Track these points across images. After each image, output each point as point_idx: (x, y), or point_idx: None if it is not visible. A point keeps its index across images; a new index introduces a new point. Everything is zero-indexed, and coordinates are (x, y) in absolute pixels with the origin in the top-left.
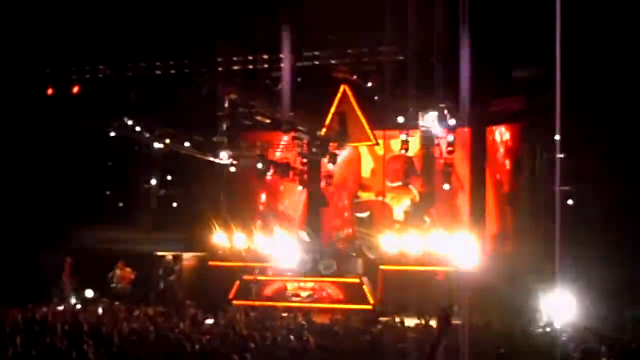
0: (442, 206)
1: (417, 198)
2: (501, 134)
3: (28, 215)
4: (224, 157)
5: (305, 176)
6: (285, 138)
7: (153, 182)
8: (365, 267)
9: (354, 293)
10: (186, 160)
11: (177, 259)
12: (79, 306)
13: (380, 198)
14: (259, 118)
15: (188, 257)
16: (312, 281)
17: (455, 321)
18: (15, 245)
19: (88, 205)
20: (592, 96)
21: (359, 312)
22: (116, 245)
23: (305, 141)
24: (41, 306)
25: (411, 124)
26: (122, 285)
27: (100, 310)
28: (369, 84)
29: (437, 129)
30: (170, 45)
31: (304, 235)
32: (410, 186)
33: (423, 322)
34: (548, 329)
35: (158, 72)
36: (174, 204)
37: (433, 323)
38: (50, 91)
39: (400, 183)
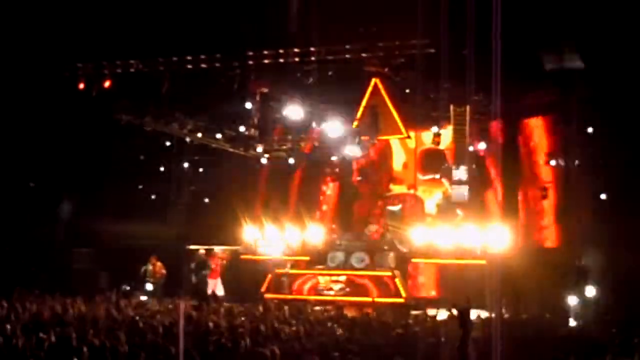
0: (475, 199)
1: (449, 191)
2: (534, 126)
3: (62, 208)
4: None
5: (337, 170)
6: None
7: (185, 176)
8: (397, 260)
9: (386, 286)
10: (218, 154)
11: (209, 252)
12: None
13: (412, 191)
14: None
15: (220, 251)
16: (344, 275)
17: (486, 314)
18: (48, 239)
19: (120, 199)
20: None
21: (391, 305)
22: (148, 239)
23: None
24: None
25: (443, 117)
26: (155, 280)
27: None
28: (400, 77)
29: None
30: (202, 40)
31: (336, 229)
32: (443, 179)
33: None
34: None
35: (189, 66)
36: (206, 198)
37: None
38: (81, 85)
39: (432, 176)
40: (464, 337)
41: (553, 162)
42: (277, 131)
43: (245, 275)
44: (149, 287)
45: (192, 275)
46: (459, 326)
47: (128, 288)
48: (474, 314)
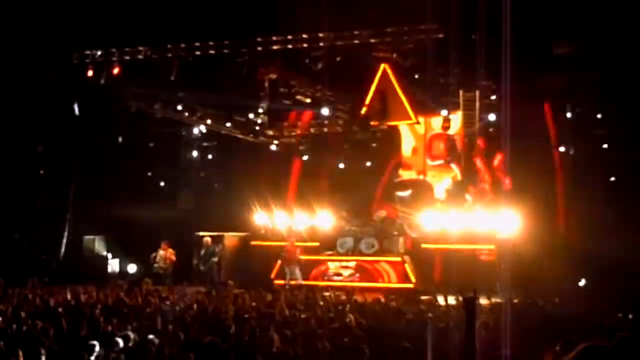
0: (484, 184)
1: (459, 176)
2: (543, 111)
3: (71, 195)
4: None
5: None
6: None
7: (194, 162)
8: (406, 245)
9: (395, 272)
10: (227, 141)
11: (218, 239)
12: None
13: (421, 177)
14: (299, 97)
15: (229, 237)
16: (354, 260)
17: (497, 299)
18: (58, 225)
19: (130, 186)
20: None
21: (401, 290)
22: (157, 226)
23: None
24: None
25: (452, 102)
26: (165, 266)
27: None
28: (409, 63)
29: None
30: (210, 26)
31: (344, 214)
32: (452, 164)
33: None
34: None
35: (198, 52)
36: (215, 185)
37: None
38: (90, 73)
39: (441, 161)
40: (468, 326)
41: (562, 148)
42: (286, 117)
43: (254, 262)
44: (158, 272)
45: (202, 262)
46: (464, 314)
47: (133, 271)
48: (482, 301)
